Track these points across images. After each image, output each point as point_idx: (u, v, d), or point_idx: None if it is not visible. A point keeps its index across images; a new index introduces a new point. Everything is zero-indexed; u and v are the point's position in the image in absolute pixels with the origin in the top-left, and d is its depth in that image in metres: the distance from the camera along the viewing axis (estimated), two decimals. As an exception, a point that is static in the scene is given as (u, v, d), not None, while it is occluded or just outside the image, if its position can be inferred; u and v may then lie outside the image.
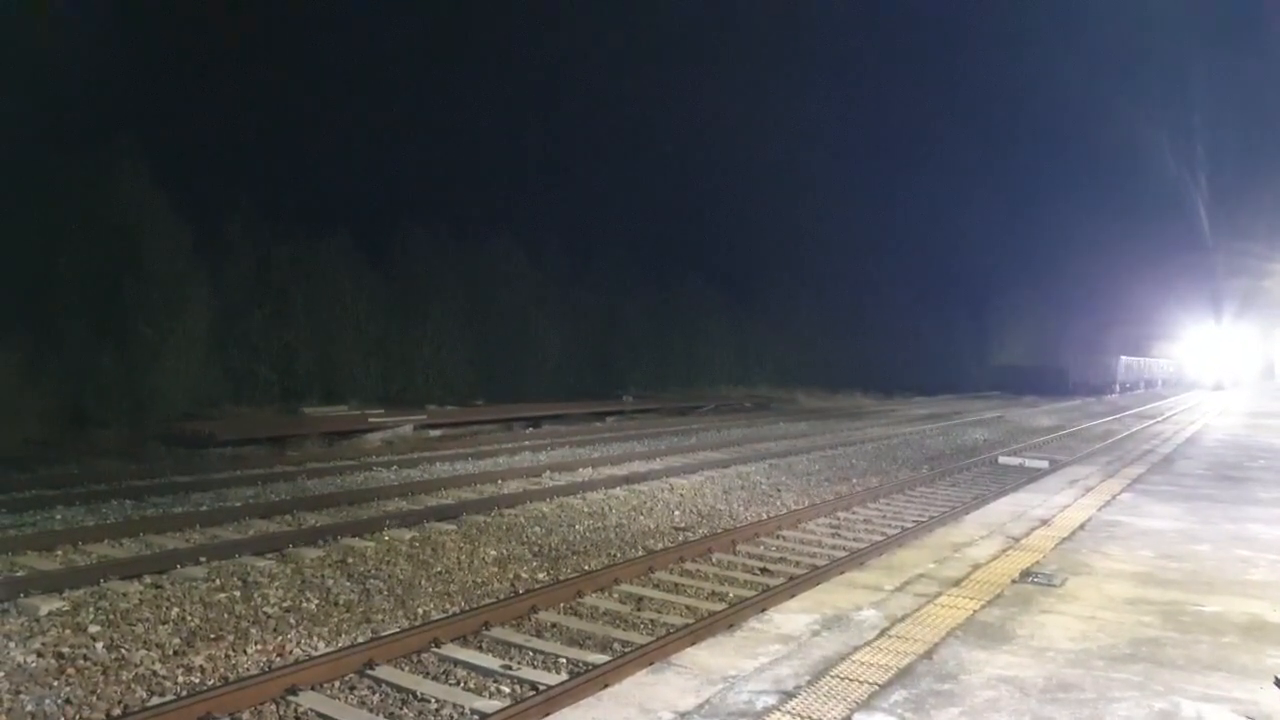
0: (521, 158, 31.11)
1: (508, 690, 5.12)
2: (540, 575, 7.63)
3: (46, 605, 6.19)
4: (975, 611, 4.67)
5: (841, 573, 6.30)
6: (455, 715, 4.80)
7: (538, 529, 9.29)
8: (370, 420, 16.96)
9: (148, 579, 6.95)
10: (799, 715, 3.31)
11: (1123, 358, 43.30)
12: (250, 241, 20.20)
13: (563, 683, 4.97)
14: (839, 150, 40.13)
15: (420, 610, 6.56)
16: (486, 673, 5.31)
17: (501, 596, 6.86)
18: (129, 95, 19.43)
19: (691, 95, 35.92)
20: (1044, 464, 14.67)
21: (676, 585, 7.36)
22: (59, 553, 7.81)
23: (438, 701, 4.91)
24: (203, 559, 7.50)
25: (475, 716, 4.75)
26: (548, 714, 4.32)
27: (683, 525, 9.87)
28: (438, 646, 5.63)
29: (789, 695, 3.51)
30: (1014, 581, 5.30)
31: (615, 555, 8.37)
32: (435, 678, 5.27)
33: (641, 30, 35.90)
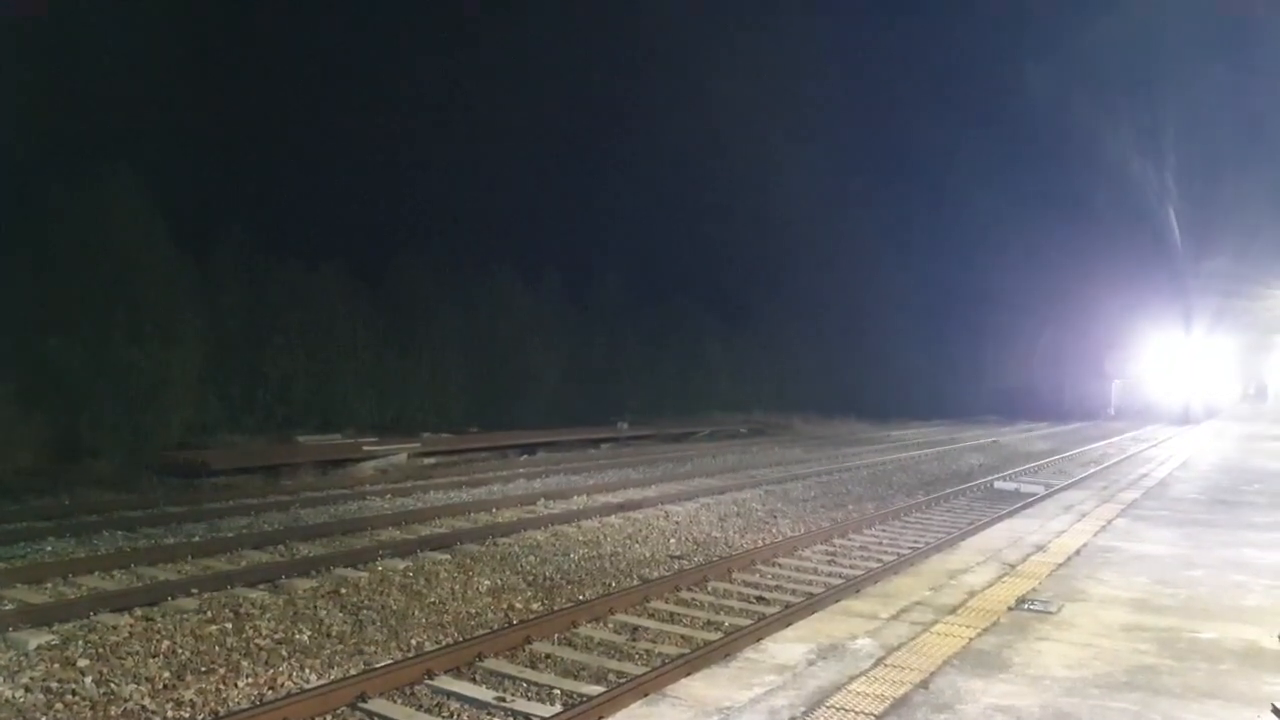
0: (518, 186, 31.24)
1: (501, 723, 5.08)
2: (535, 605, 7.59)
3: (35, 639, 6.13)
4: (971, 639, 4.65)
5: (837, 601, 6.27)
6: (448, 749, 4.75)
7: (532, 558, 9.24)
8: (364, 448, 16.90)
9: (139, 611, 6.89)
10: (794, 747, 3.29)
11: (1117, 381, 43.37)
12: (246, 269, 20.24)
13: (557, 715, 4.93)
14: (835, 178, 40.34)
15: (413, 641, 6.52)
16: (480, 705, 5.27)
17: (496, 627, 6.81)
18: (125, 120, 19.49)
19: (689, 122, 36.18)
20: (1039, 489, 14.65)
21: (672, 614, 7.32)
22: (49, 585, 7.75)
23: (430, 735, 4.86)
24: (194, 590, 7.45)
25: (468, 750, 4.70)
26: (541, 747, 4.28)
27: (678, 553, 9.82)
28: (431, 678, 5.58)
29: (784, 727, 3.48)
30: (1010, 609, 5.29)
31: (610, 584, 8.33)
32: (428, 710, 5.22)
33: (641, 61, 36.25)
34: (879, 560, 9.49)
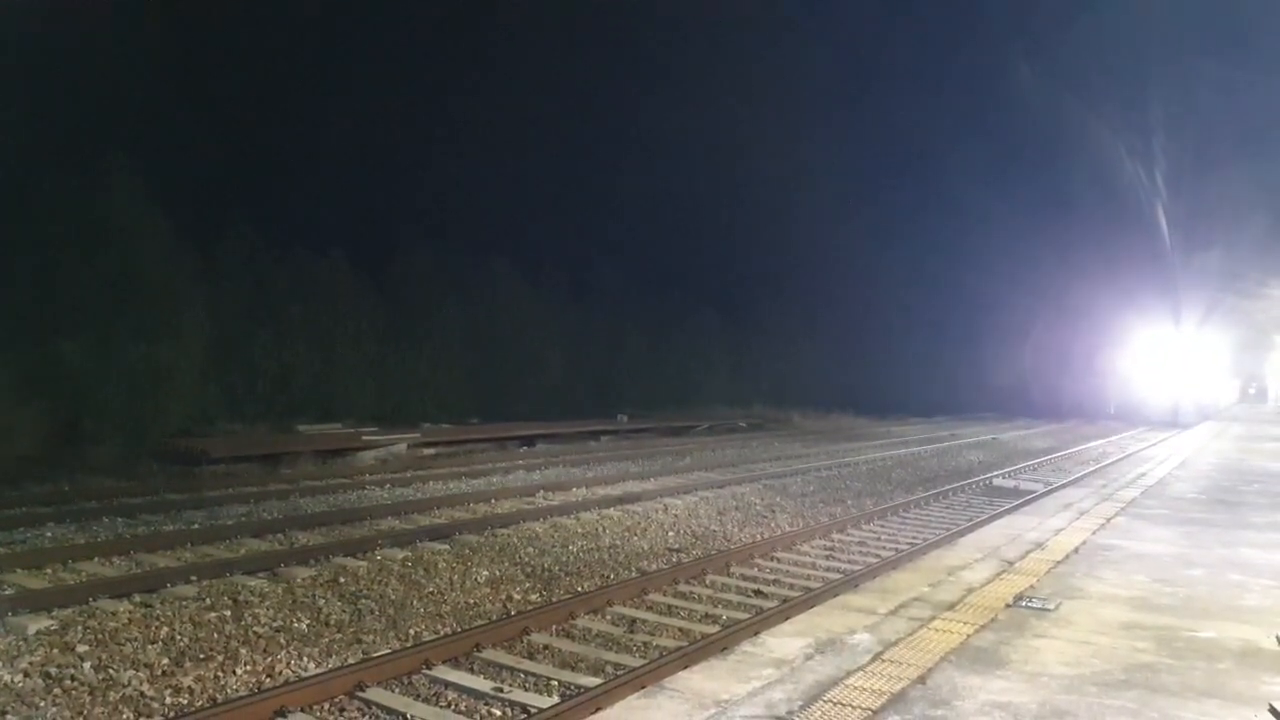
0: (521, 179, 31.21)
1: (499, 713, 5.09)
2: (533, 596, 7.60)
3: (35, 624, 6.14)
4: (969, 636, 4.66)
5: (835, 596, 6.28)
6: (446, 738, 4.76)
7: (531, 549, 9.25)
8: (364, 438, 16.91)
9: (137, 598, 6.91)
10: (791, 741, 3.29)
11: (1116, 380, 43.20)
12: (248, 260, 20.25)
13: (554, 706, 4.94)
14: (835, 174, 40.27)
15: (412, 631, 6.53)
16: (478, 695, 5.28)
17: (494, 618, 6.82)
18: (128, 113, 19.47)
19: (691, 118, 36.13)
20: (1038, 486, 14.66)
21: (670, 607, 7.33)
22: (48, 571, 7.76)
23: (428, 724, 4.87)
24: (193, 578, 7.46)
25: (466, 740, 4.71)
26: (539, 738, 4.29)
27: (677, 546, 9.83)
28: (429, 668, 5.59)
29: (782, 720, 3.49)
30: (1008, 606, 5.29)
31: (609, 576, 8.34)
32: (426, 700, 5.23)
33: (641, 58, 36.19)
34: (877, 556, 9.50)
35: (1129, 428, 33.74)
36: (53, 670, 5.40)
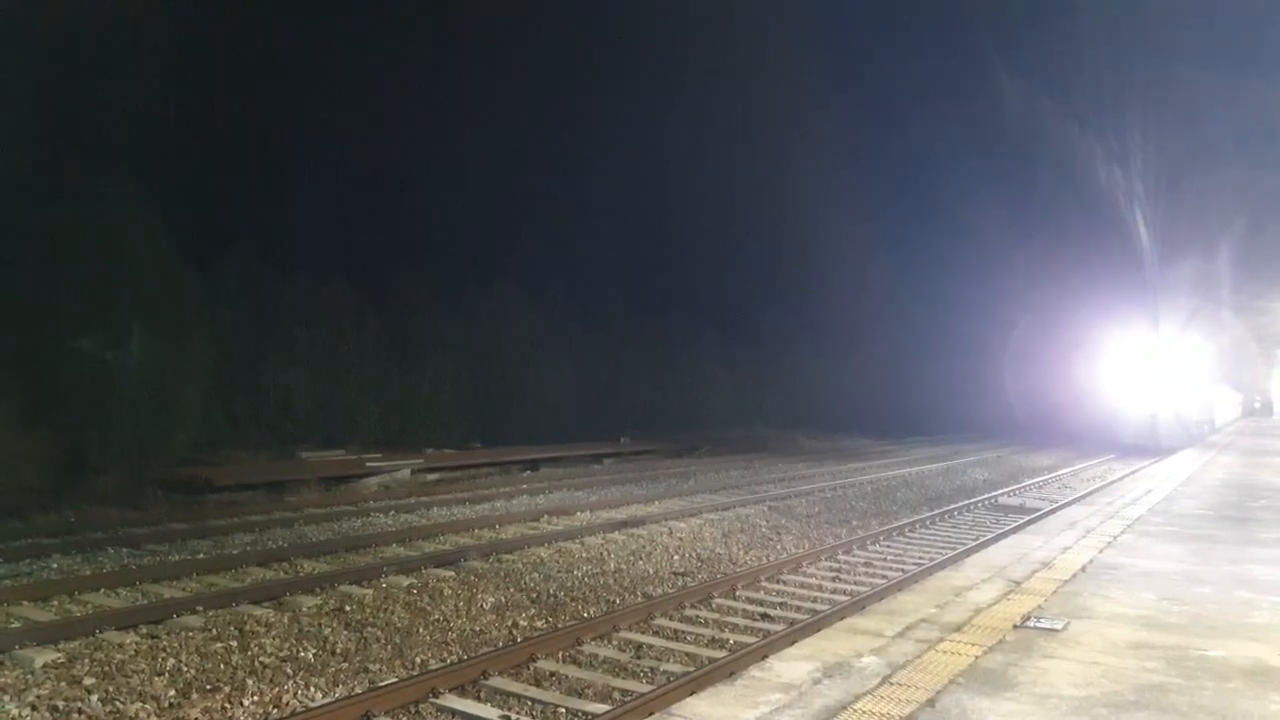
0: (521, 201, 31.39)
1: (507, 741, 5.07)
2: (539, 623, 7.58)
3: (41, 657, 6.14)
4: (977, 658, 4.65)
5: (843, 619, 6.27)
6: (454, 768, 4.74)
7: (536, 575, 9.23)
8: (368, 464, 16.91)
9: (144, 629, 6.90)
10: (801, 767, 3.28)
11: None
12: (251, 286, 20.35)
13: (562, 733, 4.92)
14: (837, 194, 40.39)
15: (418, 659, 6.51)
16: (485, 723, 5.26)
17: (500, 645, 6.80)
18: (130, 138, 19.62)
19: (692, 136, 36.35)
20: (1044, 505, 14.62)
21: (676, 632, 7.31)
22: (54, 603, 7.75)
23: (436, 754, 4.85)
24: (199, 608, 7.45)
25: (474, 769, 4.69)
26: (547, 766, 4.27)
27: (682, 570, 9.81)
28: (436, 696, 5.58)
29: (791, 746, 3.48)
30: (1016, 626, 5.28)
31: (614, 602, 8.32)
32: (433, 729, 5.21)
33: (639, 73, 36.45)
34: (884, 577, 9.46)
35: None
36: (60, 704, 5.40)
